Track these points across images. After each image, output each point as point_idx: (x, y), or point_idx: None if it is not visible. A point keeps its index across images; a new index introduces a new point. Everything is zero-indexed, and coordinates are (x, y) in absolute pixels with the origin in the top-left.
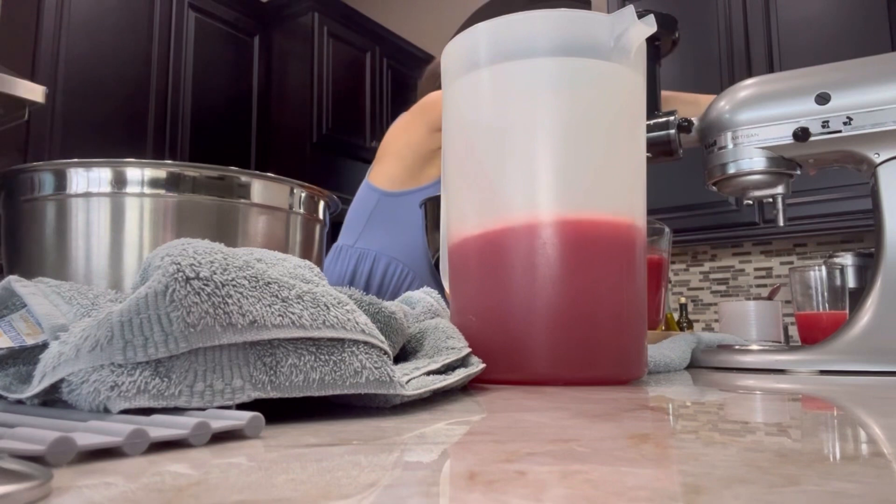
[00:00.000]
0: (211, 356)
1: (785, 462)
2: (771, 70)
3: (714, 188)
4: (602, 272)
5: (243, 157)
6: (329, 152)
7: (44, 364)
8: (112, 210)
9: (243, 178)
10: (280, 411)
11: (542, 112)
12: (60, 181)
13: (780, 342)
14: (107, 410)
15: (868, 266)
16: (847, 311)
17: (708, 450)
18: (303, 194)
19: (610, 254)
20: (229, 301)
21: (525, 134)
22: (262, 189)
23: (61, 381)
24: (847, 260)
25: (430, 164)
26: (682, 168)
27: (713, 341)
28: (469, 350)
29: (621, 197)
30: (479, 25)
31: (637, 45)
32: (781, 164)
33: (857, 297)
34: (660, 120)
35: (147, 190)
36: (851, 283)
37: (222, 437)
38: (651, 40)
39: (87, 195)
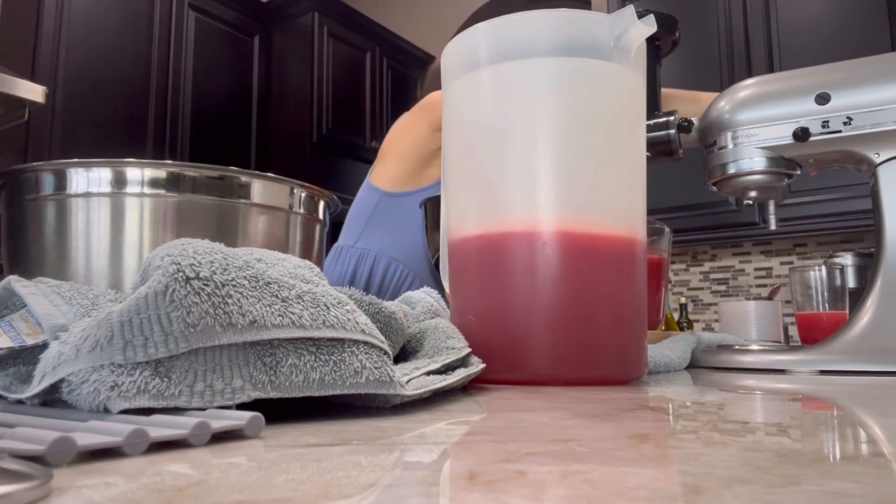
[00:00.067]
0: (211, 356)
1: (785, 462)
2: (771, 70)
3: (714, 188)
4: (602, 272)
5: (243, 157)
6: (329, 152)
7: (44, 364)
8: (112, 210)
9: (243, 178)
10: (280, 411)
11: (542, 112)
12: (60, 181)
13: (780, 342)
14: (107, 410)
15: (868, 266)
16: (847, 311)
17: (708, 450)
18: (303, 194)
19: (610, 253)
20: (229, 301)
21: (525, 134)
22: (262, 189)
23: (61, 381)
24: (847, 260)
25: (432, 165)
26: (682, 168)
27: (713, 341)
28: (469, 350)
29: (621, 197)
30: (479, 25)
31: (637, 45)
32: (781, 164)
33: (857, 297)
34: (660, 120)
35: (147, 190)
36: (851, 283)
37: (222, 437)
38: (651, 40)
39: (87, 195)
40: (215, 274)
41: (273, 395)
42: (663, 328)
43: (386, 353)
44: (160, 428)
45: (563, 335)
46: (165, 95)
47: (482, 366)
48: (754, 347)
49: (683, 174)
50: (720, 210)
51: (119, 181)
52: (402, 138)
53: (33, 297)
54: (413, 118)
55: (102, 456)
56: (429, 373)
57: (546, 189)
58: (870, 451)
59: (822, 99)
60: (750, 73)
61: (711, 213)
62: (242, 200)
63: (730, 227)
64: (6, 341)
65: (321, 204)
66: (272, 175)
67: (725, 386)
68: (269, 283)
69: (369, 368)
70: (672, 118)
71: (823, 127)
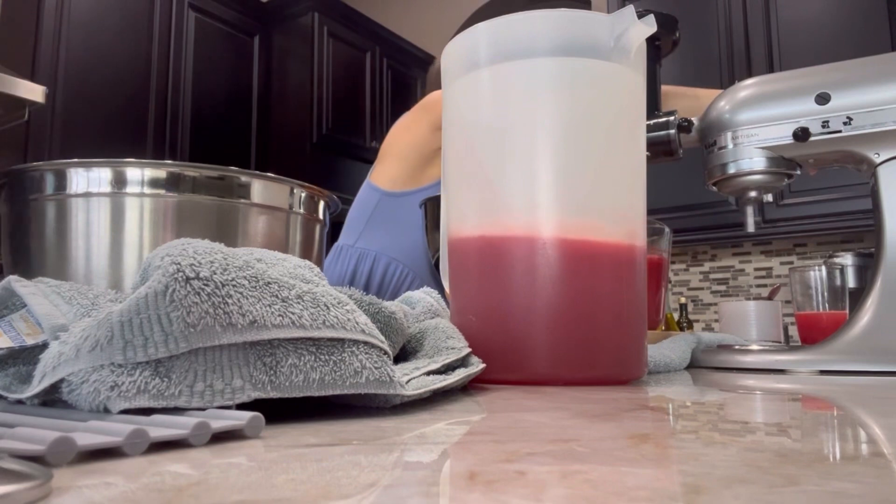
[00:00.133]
0: (211, 356)
1: (785, 462)
2: (771, 70)
3: (714, 188)
4: (602, 272)
5: (243, 157)
6: (329, 152)
7: (44, 364)
8: (112, 210)
9: (243, 178)
10: (280, 411)
11: (542, 112)
12: (60, 181)
13: (780, 342)
14: (107, 410)
15: (868, 266)
16: (847, 311)
17: (708, 450)
18: (303, 194)
19: (610, 253)
20: (229, 301)
21: (525, 134)
22: (262, 189)
23: (61, 381)
24: (847, 260)
25: (432, 164)
26: (682, 168)
27: (713, 341)
28: (469, 350)
29: (621, 197)
30: (479, 25)
31: (637, 45)
32: (781, 164)
33: (857, 297)
34: (660, 120)
35: (147, 190)
36: (851, 283)
37: (222, 437)
38: (651, 40)
39: (87, 195)
40: (215, 274)
41: (273, 395)
42: (663, 328)
43: (386, 353)
44: (160, 428)
45: (563, 335)
46: (165, 95)
47: (482, 366)
48: (754, 347)
49: (683, 174)
50: (720, 210)
51: (119, 181)
52: (402, 138)
53: (33, 297)
54: (413, 118)
55: (102, 456)
56: (429, 373)
57: (546, 189)
58: (870, 451)
59: (822, 99)
60: (750, 73)
61: (711, 213)
62: (242, 200)
63: (730, 227)
64: (6, 341)
65: (321, 204)
66: (272, 175)
67: (725, 386)
68: (269, 283)
69: (369, 368)
70: (672, 118)
71: (823, 127)
